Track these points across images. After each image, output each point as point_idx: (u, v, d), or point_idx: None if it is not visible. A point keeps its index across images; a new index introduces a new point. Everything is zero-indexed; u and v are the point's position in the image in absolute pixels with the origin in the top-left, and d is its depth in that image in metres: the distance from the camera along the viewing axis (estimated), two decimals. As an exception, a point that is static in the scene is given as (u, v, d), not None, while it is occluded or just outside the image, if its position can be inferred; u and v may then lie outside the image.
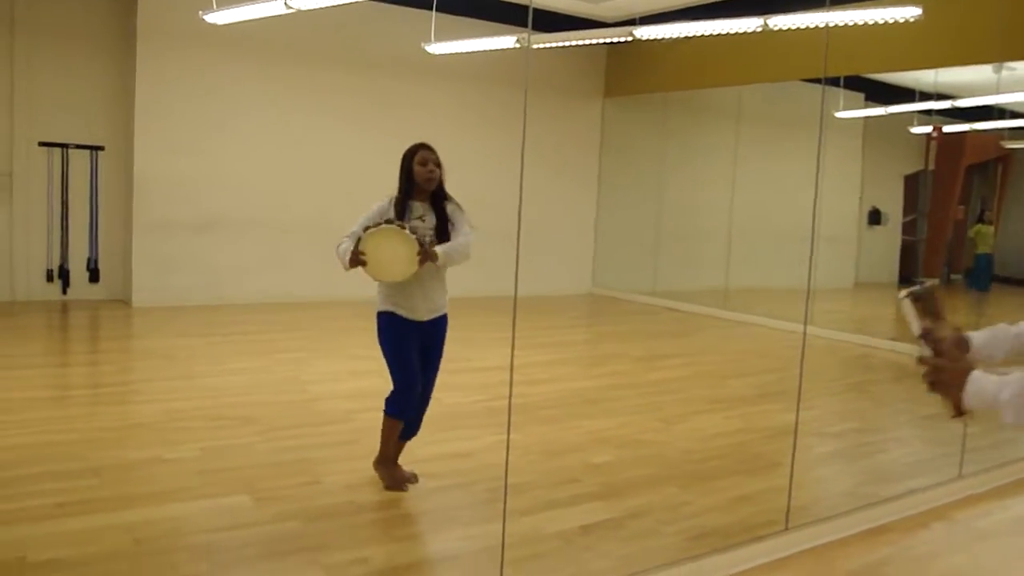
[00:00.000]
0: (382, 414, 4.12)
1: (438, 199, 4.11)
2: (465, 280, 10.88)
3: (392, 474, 4.19)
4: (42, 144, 8.81)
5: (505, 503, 3.34)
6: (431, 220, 4.07)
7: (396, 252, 3.83)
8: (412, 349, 4.07)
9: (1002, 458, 5.13)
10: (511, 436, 5.09)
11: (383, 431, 4.15)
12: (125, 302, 9.22)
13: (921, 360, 1.83)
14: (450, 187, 4.17)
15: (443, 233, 4.05)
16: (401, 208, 4.04)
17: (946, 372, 1.78)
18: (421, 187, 4.04)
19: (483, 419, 5.48)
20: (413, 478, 4.22)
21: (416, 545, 3.60)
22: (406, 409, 4.09)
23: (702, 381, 7.23)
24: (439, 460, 4.62)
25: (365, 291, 11.05)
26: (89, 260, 9.17)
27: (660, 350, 8.57)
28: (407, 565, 3.37)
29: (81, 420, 5.06)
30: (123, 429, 4.95)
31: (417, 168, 4.02)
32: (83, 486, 3.98)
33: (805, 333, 4.36)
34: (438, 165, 4.05)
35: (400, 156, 4.12)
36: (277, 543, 3.50)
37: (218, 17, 7.50)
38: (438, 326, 4.16)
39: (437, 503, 4.12)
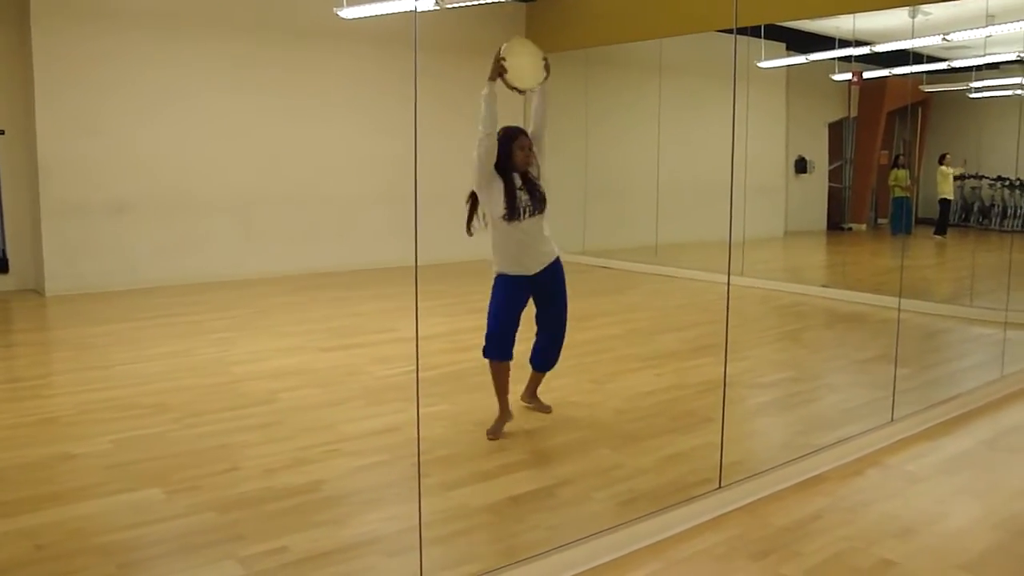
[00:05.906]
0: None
1: (527, 176, 4.48)
2: (389, 249, 10.66)
3: (506, 411, 4.62)
4: (-65, 130, 8.35)
5: (419, 480, 3.20)
6: (527, 192, 4.45)
7: (528, 62, 4.56)
8: (516, 306, 4.55)
9: (931, 399, 5.14)
10: (440, 407, 4.98)
11: (491, 375, 4.60)
12: (38, 292, 8.83)
13: None
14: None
15: (539, 201, 4.45)
16: (507, 178, 4.39)
17: None
18: (518, 167, 4.41)
19: (412, 391, 5.32)
20: (547, 408, 4.91)
21: (337, 530, 3.43)
22: (501, 351, 4.53)
23: (634, 339, 7.16)
24: (366, 437, 4.48)
25: (292, 265, 10.65)
26: (-5, 250, 8.76)
27: (591, 309, 8.47)
28: (326, 552, 3.20)
29: (-17, 419, 4.79)
30: (29, 426, 4.68)
31: (517, 152, 4.40)
32: (-20, 491, 3.75)
33: (729, 283, 4.28)
34: (531, 149, 4.45)
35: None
36: (189, 537, 3.31)
37: (113, -13, 7.12)
38: (552, 271, 4.60)
39: (362, 483, 3.97)
